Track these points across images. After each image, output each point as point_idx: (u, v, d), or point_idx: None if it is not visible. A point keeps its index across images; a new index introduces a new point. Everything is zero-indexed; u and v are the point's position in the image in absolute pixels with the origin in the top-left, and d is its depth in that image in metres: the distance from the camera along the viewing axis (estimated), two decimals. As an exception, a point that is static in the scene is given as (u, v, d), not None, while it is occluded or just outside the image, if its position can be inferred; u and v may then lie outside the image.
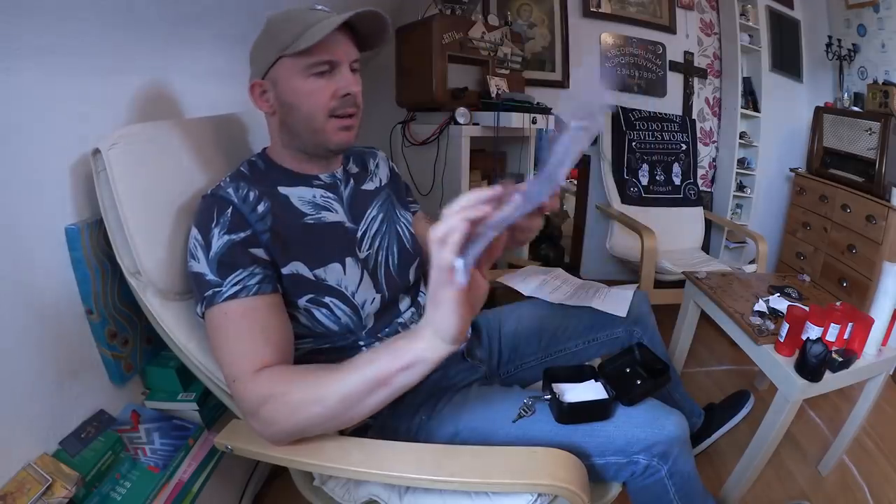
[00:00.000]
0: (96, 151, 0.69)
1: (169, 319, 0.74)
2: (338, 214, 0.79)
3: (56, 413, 0.72)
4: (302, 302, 0.70)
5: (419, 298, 0.88)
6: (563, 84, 2.39)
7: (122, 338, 0.82)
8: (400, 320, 0.82)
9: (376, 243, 0.81)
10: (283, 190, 0.75)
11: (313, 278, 0.71)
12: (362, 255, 0.78)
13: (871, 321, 1.05)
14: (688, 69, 2.53)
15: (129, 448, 0.78)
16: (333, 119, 0.73)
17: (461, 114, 1.59)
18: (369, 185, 0.88)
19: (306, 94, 0.71)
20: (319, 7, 0.72)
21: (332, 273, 0.72)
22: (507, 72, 1.84)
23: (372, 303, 0.76)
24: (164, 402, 0.88)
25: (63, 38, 0.69)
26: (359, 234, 0.80)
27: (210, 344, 0.65)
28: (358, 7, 0.67)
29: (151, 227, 0.72)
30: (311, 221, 0.75)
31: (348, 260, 0.75)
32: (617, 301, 1.05)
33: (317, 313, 0.71)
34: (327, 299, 0.71)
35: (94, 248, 0.76)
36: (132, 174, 0.70)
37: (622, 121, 2.30)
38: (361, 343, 0.77)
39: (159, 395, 0.88)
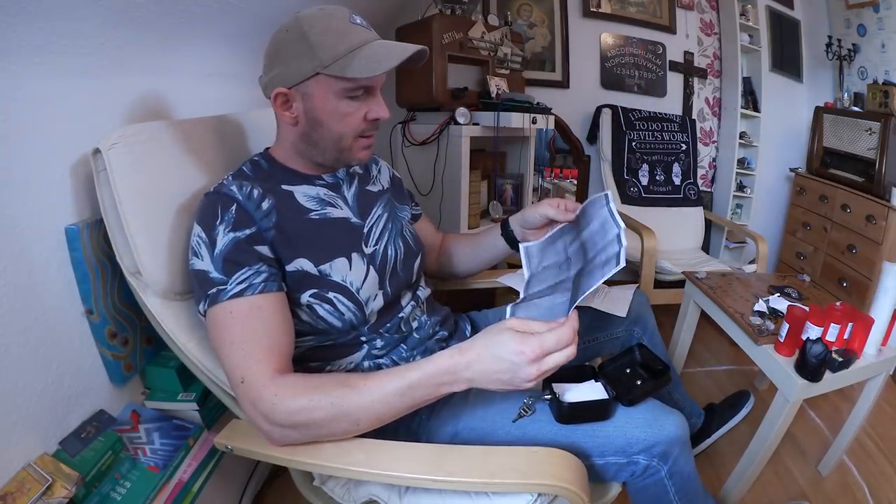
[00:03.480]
0: (96, 151, 0.69)
1: (169, 319, 0.74)
2: (342, 211, 0.79)
3: (56, 413, 0.72)
4: (305, 298, 0.70)
5: (419, 293, 0.88)
6: (563, 84, 2.39)
7: (122, 338, 0.82)
8: (401, 315, 0.82)
9: (384, 239, 0.82)
10: (286, 187, 0.75)
11: (318, 274, 0.71)
12: (368, 251, 0.78)
13: (871, 321, 1.05)
14: (688, 69, 2.53)
15: (129, 448, 0.78)
16: (360, 139, 0.74)
17: (461, 114, 1.59)
18: (372, 188, 0.88)
19: (341, 116, 0.70)
20: (358, 21, 0.69)
21: (337, 268, 0.72)
22: (507, 72, 1.84)
23: (375, 299, 0.76)
24: (164, 402, 0.87)
25: (63, 38, 0.69)
26: (365, 229, 0.80)
27: (212, 343, 0.65)
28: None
29: (151, 226, 0.72)
30: (316, 217, 0.75)
31: (354, 255, 0.75)
32: (617, 301, 1.05)
33: (319, 309, 0.71)
34: (331, 295, 0.71)
35: (94, 248, 0.76)
36: (132, 174, 0.70)
37: (622, 121, 2.30)
38: (363, 339, 0.77)
39: (159, 395, 0.88)
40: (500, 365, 0.56)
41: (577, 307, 0.59)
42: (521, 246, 0.83)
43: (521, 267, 0.90)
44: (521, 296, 0.75)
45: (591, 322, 1.03)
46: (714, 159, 2.68)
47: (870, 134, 2.09)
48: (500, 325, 0.58)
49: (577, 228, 0.79)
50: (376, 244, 0.80)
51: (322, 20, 0.67)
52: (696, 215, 2.35)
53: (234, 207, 0.67)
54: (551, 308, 0.65)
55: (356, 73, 0.66)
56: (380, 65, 0.66)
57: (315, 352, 0.76)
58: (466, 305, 1.09)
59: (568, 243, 0.78)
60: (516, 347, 0.54)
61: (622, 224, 0.67)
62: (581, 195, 2.52)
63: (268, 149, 0.81)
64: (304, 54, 0.66)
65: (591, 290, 0.58)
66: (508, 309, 0.71)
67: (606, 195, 0.74)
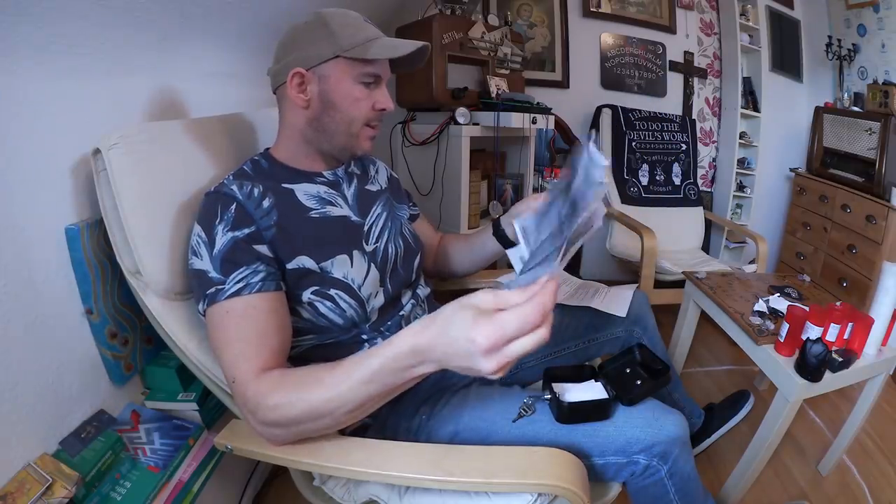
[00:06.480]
0: (96, 151, 0.69)
1: (169, 319, 0.74)
2: (342, 209, 0.80)
3: (56, 413, 0.72)
4: (306, 295, 0.70)
5: (418, 291, 0.89)
6: (563, 84, 2.39)
7: (122, 338, 0.82)
8: (402, 313, 0.82)
9: (384, 237, 0.83)
10: (287, 185, 0.76)
11: (319, 271, 0.71)
12: (369, 249, 0.79)
13: (871, 321, 1.05)
14: (688, 69, 2.53)
15: (129, 448, 0.78)
16: (366, 128, 0.77)
17: (461, 114, 1.59)
18: (371, 187, 0.89)
19: (354, 100, 0.74)
20: (370, 22, 0.76)
21: (338, 266, 0.73)
22: (507, 72, 1.84)
23: (376, 297, 0.77)
24: (164, 402, 0.87)
25: (63, 38, 0.69)
26: (366, 227, 0.81)
27: (210, 343, 0.65)
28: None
29: (152, 226, 0.72)
30: (317, 216, 0.76)
31: (355, 253, 0.75)
32: (617, 301, 1.05)
33: (321, 306, 0.72)
34: (332, 292, 0.72)
35: (94, 248, 0.76)
36: (132, 174, 0.70)
37: (622, 121, 2.30)
38: (364, 337, 0.77)
39: (159, 395, 0.88)
40: (455, 349, 0.45)
41: (560, 278, 0.47)
42: (515, 223, 0.73)
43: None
44: (517, 272, 0.59)
45: (591, 322, 1.03)
46: (714, 159, 2.68)
47: (870, 134, 2.09)
48: (465, 300, 0.46)
49: (567, 189, 0.66)
50: (377, 242, 0.81)
51: (340, 16, 0.73)
52: (696, 215, 2.36)
53: (233, 207, 0.68)
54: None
55: (376, 55, 0.71)
56: (396, 50, 0.73)
57: (316, 350, 0.76)
58: (466, 305, 1.10)
59: (560, 206, 0.64)
60: (468, 334, 0.43)
61: (603, 161, 0.52)
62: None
63: (268, 149, 0.82)
64: (324, 39, 0.71)
65: (575, 227, 0.49)
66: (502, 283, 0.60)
67: (588, 136, 0.64)
